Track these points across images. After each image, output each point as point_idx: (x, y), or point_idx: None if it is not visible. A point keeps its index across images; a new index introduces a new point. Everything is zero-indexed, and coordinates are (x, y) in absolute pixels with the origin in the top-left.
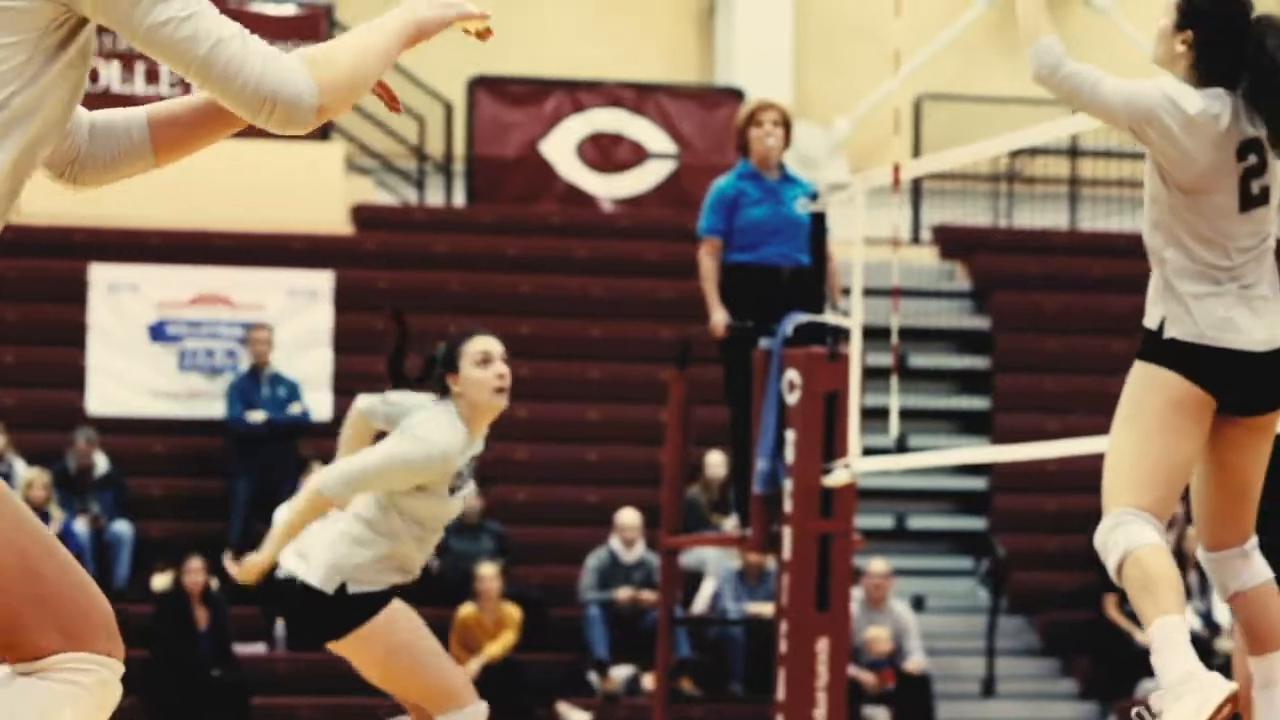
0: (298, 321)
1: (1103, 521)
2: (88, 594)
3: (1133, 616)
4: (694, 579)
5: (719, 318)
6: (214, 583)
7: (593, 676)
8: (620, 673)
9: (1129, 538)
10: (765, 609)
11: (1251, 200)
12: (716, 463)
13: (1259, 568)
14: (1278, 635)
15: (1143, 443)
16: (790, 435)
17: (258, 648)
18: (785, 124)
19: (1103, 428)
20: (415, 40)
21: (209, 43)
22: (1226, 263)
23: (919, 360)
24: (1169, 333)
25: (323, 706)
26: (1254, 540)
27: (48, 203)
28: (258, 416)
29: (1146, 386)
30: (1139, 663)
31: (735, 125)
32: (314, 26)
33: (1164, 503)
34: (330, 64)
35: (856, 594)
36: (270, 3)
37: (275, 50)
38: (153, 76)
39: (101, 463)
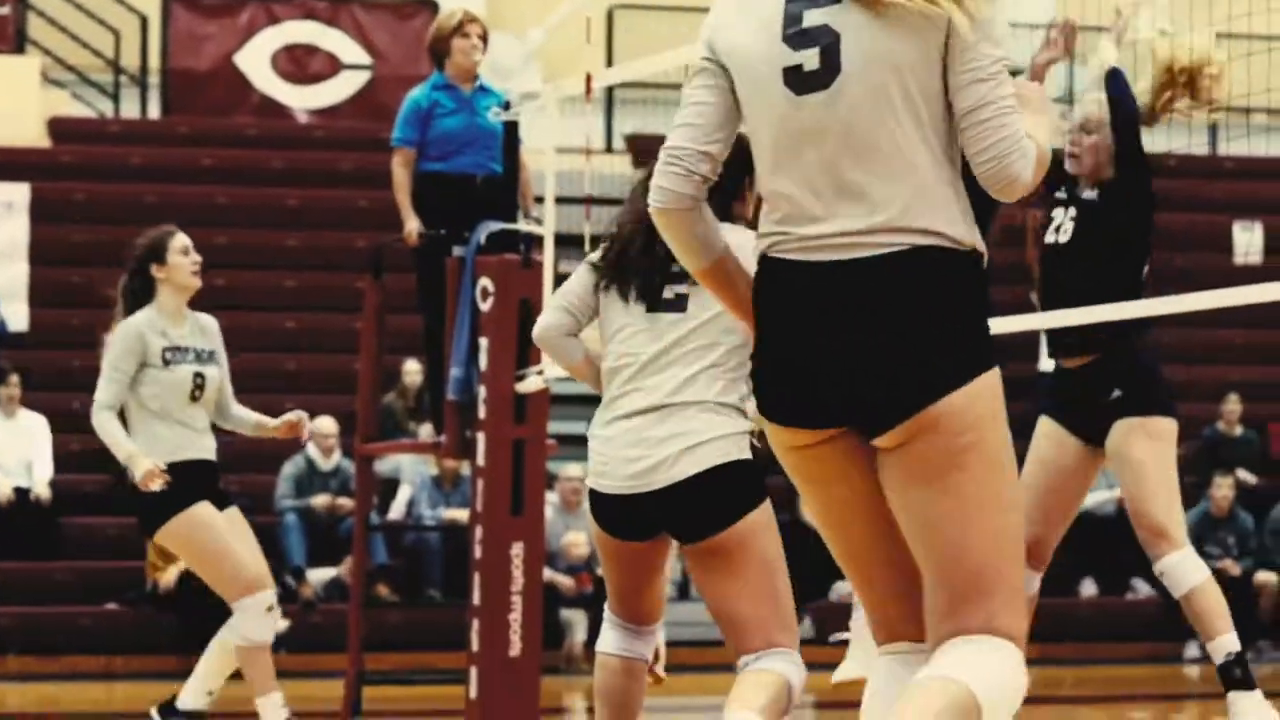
0: None
1: None
2: None
3: None
4: (390, 485)
5: (412, 226)
6: None
7: (290, 582)
8: (318, 576)
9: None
10: (461, 515)
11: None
12: (413, 370)
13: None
14: None
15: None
16: (484, 342)
17: None
18: (485, 38)
19: None
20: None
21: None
22: None
23: None
24: None
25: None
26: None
27: None
28: None
29: None
30: (832, 564)
31: (433, 36)
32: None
33: (626, 608)
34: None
35: (552, 499)
36: None
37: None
38: None
39: None
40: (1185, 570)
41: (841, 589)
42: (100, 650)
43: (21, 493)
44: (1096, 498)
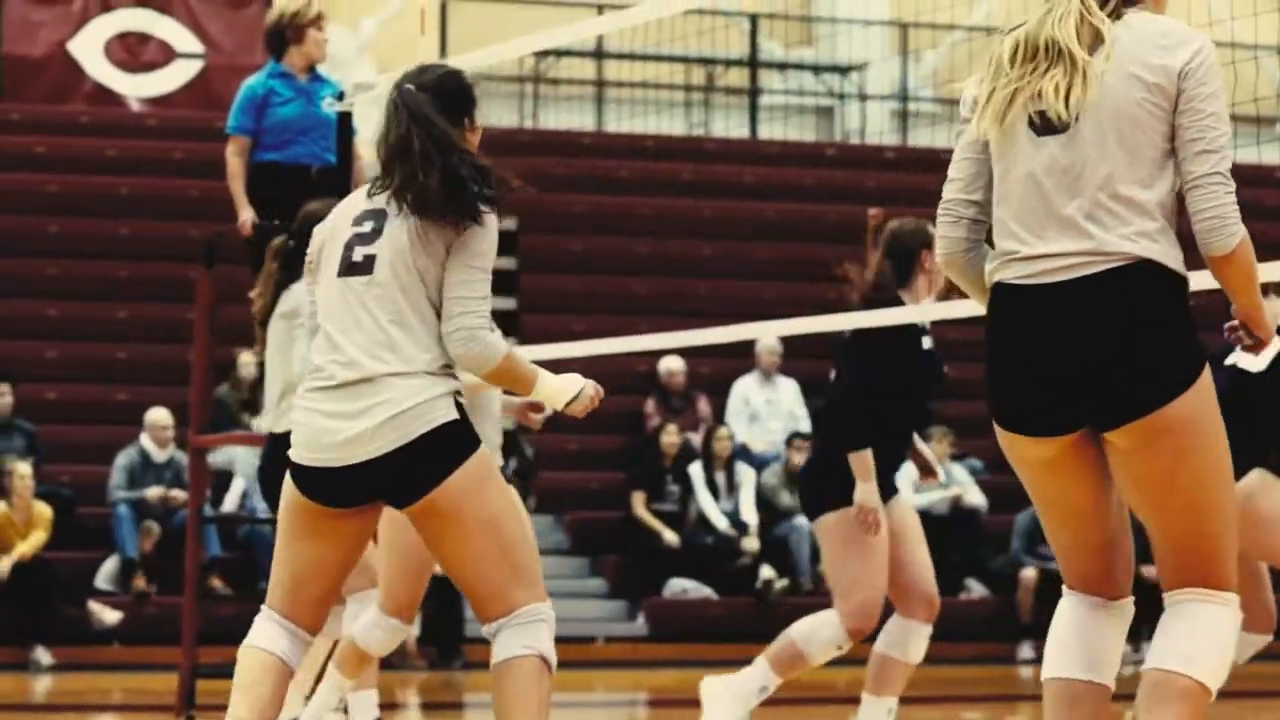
0: None
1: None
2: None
3: (660, 515)
4: (224, 478)
5: (246, 216)
6: None
7: (104, 572)
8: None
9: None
10: None
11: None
12: (247, 362)
13: None
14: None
15: (279, 545)
16: None
17: None
18: None
19: (625, 328)
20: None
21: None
22: None
23: None
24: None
25: None
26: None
27: None
28: None
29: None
30: (666, 561)
31: (286, 23)
32: None
33: (296, 602)
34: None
35: None
36: None
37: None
38: None
39: None
40: None
41: (675, 586)
42: None
43: None
44: (930, 497)
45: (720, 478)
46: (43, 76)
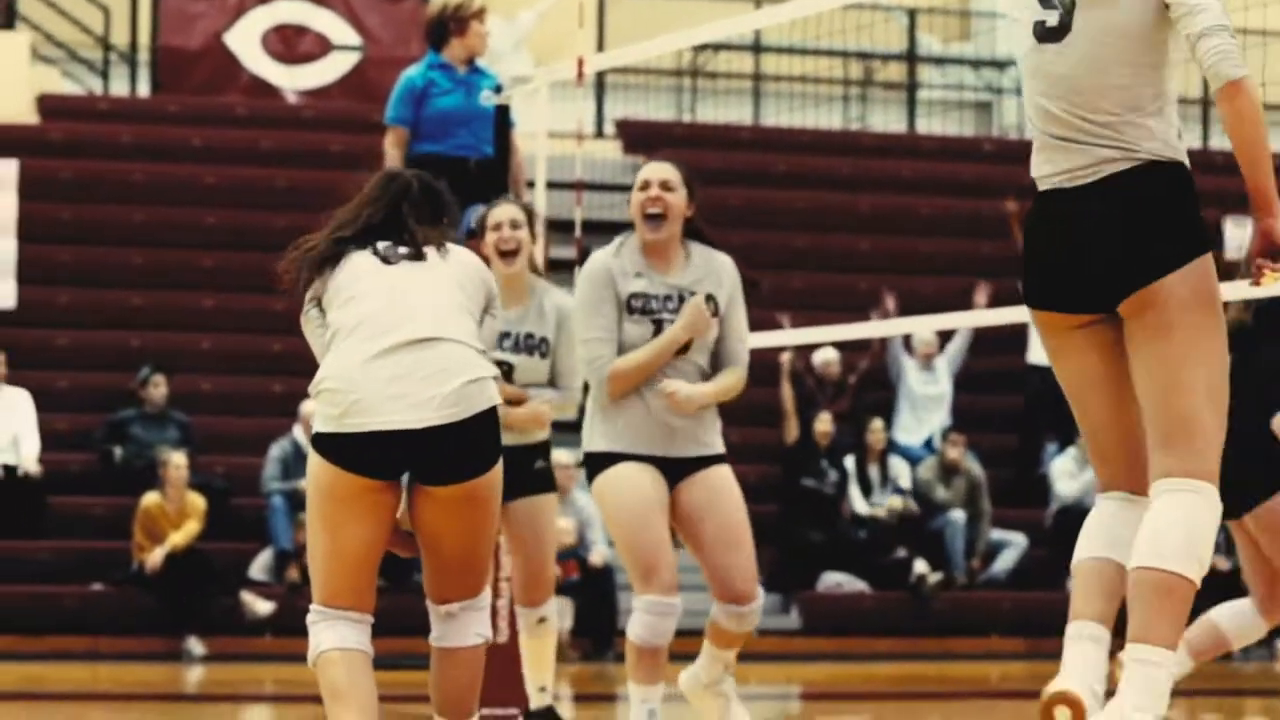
0: None
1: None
2: None
3: (814, 498)
4: None
5: None
6: None
7: (259, 564)
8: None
9: (316, 640)
10: None
11: None
12: None
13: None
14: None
15: (325, 540)
16: None
17: None
18: None
19: (781, 322)
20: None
21: None
22: None
23: None
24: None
25: None
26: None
27: None
28: None
29: (311, 478)
30: (821, 555)
31: (450, 14)
32: None
33: (357, 591)
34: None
35: None
36: None
37: None
38: None
39: None
40: None
41: (829, 580)
42: (85, 630)
43: (9, 470)
44: (1084, 482)
45: (874, 471)
46: (199, 68)
